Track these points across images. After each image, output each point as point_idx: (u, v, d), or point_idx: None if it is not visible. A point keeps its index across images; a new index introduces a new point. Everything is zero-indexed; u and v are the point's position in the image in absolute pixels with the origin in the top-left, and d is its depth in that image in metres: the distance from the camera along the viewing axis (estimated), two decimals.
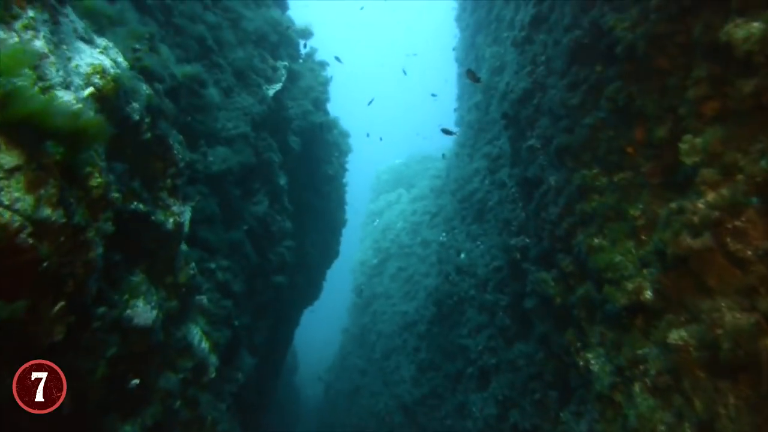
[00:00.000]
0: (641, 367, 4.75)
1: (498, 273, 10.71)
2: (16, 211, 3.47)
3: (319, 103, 14.72)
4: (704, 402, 3.84)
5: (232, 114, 9.90)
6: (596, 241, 6.01)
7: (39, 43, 4.12)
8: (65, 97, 4.20)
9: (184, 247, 6.86)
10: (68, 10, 4.96)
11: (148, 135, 5.67)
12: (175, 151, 6.26)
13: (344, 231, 20.65)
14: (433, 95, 19.06)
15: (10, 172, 3.46)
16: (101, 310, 4.95)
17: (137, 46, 6.24)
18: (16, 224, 3.45)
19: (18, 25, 3.99)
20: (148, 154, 5.89)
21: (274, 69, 11.69)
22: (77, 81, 4.50)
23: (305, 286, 15.90)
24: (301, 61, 14.65)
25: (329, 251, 18.95)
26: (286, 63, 12.08)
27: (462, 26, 19.34)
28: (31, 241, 3.59)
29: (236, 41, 10.71)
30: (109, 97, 4.82)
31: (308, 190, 15.01)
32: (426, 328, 17.24)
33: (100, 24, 6.17)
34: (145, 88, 5.67)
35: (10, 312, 3.42)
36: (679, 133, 4.81)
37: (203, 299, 7.78)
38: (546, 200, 7.69)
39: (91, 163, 4.31)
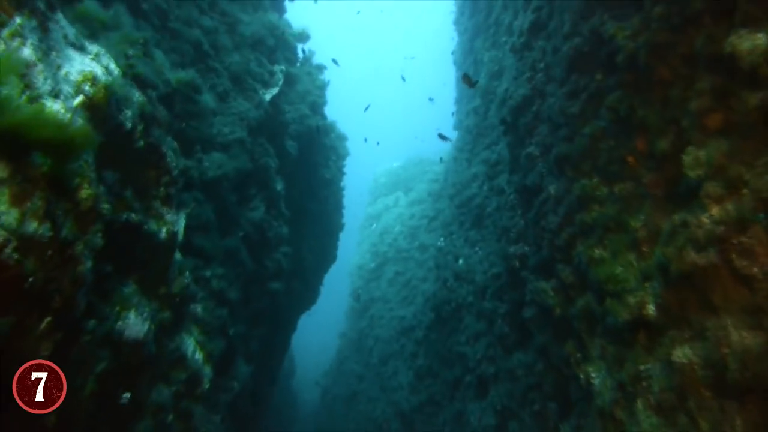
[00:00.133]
0: (644, 383, 4.65)
1: (496, 280, 10.61)
2: (0, 226, 3.36)
3: (317, 107, 14.63)
4: (710, 423, 3.74)
5: (228, 119, 9.79)
6: (597, 252, 5.92)
7: (27, 51, 4.00)
8: (54, 106, 4.09)
9: (178, 255, 6.74)
10: (59, 16, 4.85)
11: (141, 143, 5.56)
12: (169, 159, 6.15)
13: (342, 234, 20.53)
14: (431, 99, 18.98)
15: None
16: (91, 323, 4.83)
17: (130, 51, 6.13)
18: (0, 239, 3.33)
19: (5, 33, 3.87)
20: (141, 163, 5.78)
21: (271, 73, 11.59)
22: (67, 89, 4.39)
23: (302, 291, 15.77)
24: (298, 64, 14.56)
25: (327, 256, 18.83)
26: (282, 67, 11.98)
27: (460, 30, 19.29)
28: (16, 256, 3.47)
29: (233, 45, 10.61)
30: (100, 106, 4.71)
31: (305, 195, 14.90)
32: (424, 333, 17.13)
33: (93, 29, 6.06)
34: (137, 96, 5.56)
35: None
36: (681, 144, 4.73)
37: (198, 308, 7.65)
38: (545, 209, 7.60)
39: (80, 173, 4.19)
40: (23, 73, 3.85)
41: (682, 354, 4.10)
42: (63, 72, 4.41)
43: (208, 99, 9.09)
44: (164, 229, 5.96)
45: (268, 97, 11.00)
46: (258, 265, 10.64)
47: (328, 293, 22.88)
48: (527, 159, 8.36)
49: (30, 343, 3.74)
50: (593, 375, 5.91)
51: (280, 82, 11.61)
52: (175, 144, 6.96)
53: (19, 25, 4.02)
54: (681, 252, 4.20)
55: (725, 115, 4.06)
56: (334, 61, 17.88)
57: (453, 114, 20.20)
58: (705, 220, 4.08)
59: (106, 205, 4.63)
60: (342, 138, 18.27)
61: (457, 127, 19.30)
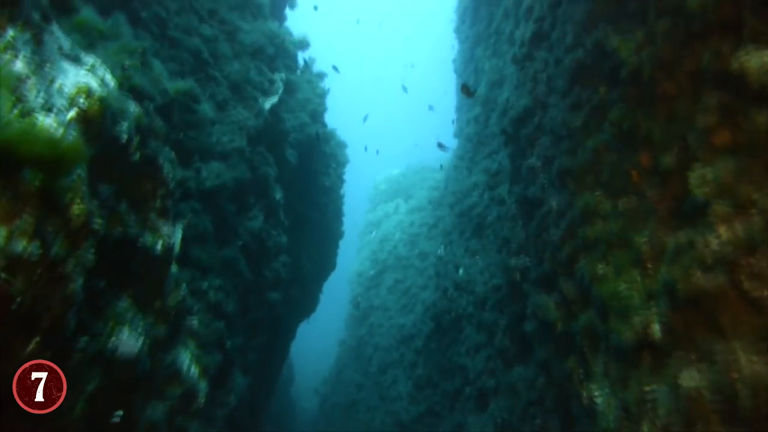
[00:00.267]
0: (649, 405, 4.53)
1: (497, 292, 10.49)
2: None
3: (317, 115, 14.57)
4: None
5: (227, 128, 9.72)
6: (600, 268, 5.81)
7: (19, 65, 3.92)
8: (46, 120, 4.00)
9: (174, 268, 6.63)
10: (54, 27, 4.77)
11: (137, 156, 5.47)
12: (166, 171, 6.06)
13: (341, 242, 20.41)
14: (430, 108, 18.91)
15: None
16: (83, 341, 4.72)
17: (128, 62, 6.05)
18: None
19: None
20: (137, 175, 5.69)
21: (271, 81, 11.53)
22: (61, 103, 4.30)
23: (301, 299, 15.64)
24: (298, 72, 14.51)
25: (326, 264, 18.71)
26: (282, 75, 11.92)
27: (461, 38, 19.27)
28: (3, 276, 3.38)
29: (232, 54, 10.55)
30: (95, 119, 4.62)
31: (305, 203, 14.81)
32: (423, 343, 16.99)
33: (91, 39, 5.98)
34: (134, 108, 5.47)
35: None
36: (687, 160, 4.63)
37: (194, 321, 7.54)
38: (547, 222, 7.50)
39: (72, 189, 4.09)
40: (14, 87, 3.76)
41: (689, 378, 3.98)
42: (57, 85, 4.33)
43: (206, 108, 9.02)
44: (160, 243, 5.86)
45: (267, 105, 10.93)
46: (256, 275, 10.53)
47: (328, 300, 22.73)
48: (528, 170, 8.27)
49: (17, 365, 3.63)
50: (596, 393, 5.78)
51: (280, 91, 11.55)
52: (173, 154, 6.87)
53: (12, 37, 3.94)
54: (687, 272, 4.10)
55: (732, 132, 3.97)
56: (335, 68, 17.83)
57: (453, 122, 20.15)
58: (712, 240, 3.97)
59: (99, 220, 4.52)
60: (342, 145, 18.20)
61: (457, 135, 19.24)
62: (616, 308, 5.28)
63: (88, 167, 4.48)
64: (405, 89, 19.83)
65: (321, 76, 15.41)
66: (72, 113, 4.35)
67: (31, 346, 3.68)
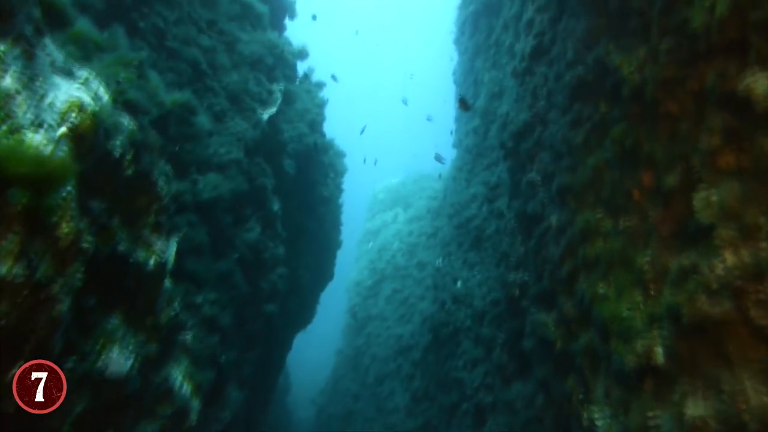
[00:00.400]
0: None
1: (495, 307, 10.37)
2: None
3: (315, 125, 14.50)
4: None
5: (225, 139, 9.63)
6: (601, 287, 5.71)
7: (8, 81, 3.83)
8: (35, 137, 3.90)
9: (167, 283, 6.51)
10: (47, 40, 4.69)
11: (130, 171, 5.37)
12: (159, 186, 5.95)
13: (339, 251, 20.28)
14: (429, 119, 18.86)
15: None
16: (70, 361, 4.59)
17: (123, 75, 5.97)
18: None
19: None
20: (130, 190, 5.58)
21: (270, 92, 11.46)
22: (51, 119, 4.21)
23: (298, 310, 15.49)
24: (297, 82, 14.47)
25: (324, 274, 18.58)
26: (281, 86, 11.86)
27: (461, 49, 19.28)
28: None
29: (231, 64, 10.50)
30: (87, 135, 4.52)
31: (303, 213, 14.70)
32: (421, 355, 16.82)
33: (87, 51, 5.90)
34: (128, 122, 5.38)
35: None
36: (690, 181, 4.55)
37: (188, 337, 7.39)
38: (546, 238, 7.41)
39: (61, 208, 3.98)
40: (2, 103, 3.67)
41: (694, 406, 3.87)
42: (48, 101, 4.23)
43: (203, 120, 8.93)
44: (152, 259, 5.74)
45: (265, 116, 10.86)
46: (253, 287, 10.40)
47: (325, 309, 22.55)
48: (528, 185, 8.18)
49: (1, 390, 3.51)
50: (597, 416, 5.65)
51: (279, 101, 11.48)
52: (168, 168, 6.77)
53: (2, 52, 3.86)
54: (692, 297, 4.00)
55: (737, 156, 3.89)
56: (333, 77, 17.80)
57: (452, 132, 20.11)
58: (717, 264, 3.88)
59: (89, 238, 4.41)
60: (340, 155, 18.13)
61: (456, 145, 19.19)
62: (618, 330, 5.17)
63: (79, 183, 4.37)
64: (405, 102, 19.75)
65: (320, 85, 15.38)
66: (63, 129, 4.25)
67: (15, 369, 3.56)
